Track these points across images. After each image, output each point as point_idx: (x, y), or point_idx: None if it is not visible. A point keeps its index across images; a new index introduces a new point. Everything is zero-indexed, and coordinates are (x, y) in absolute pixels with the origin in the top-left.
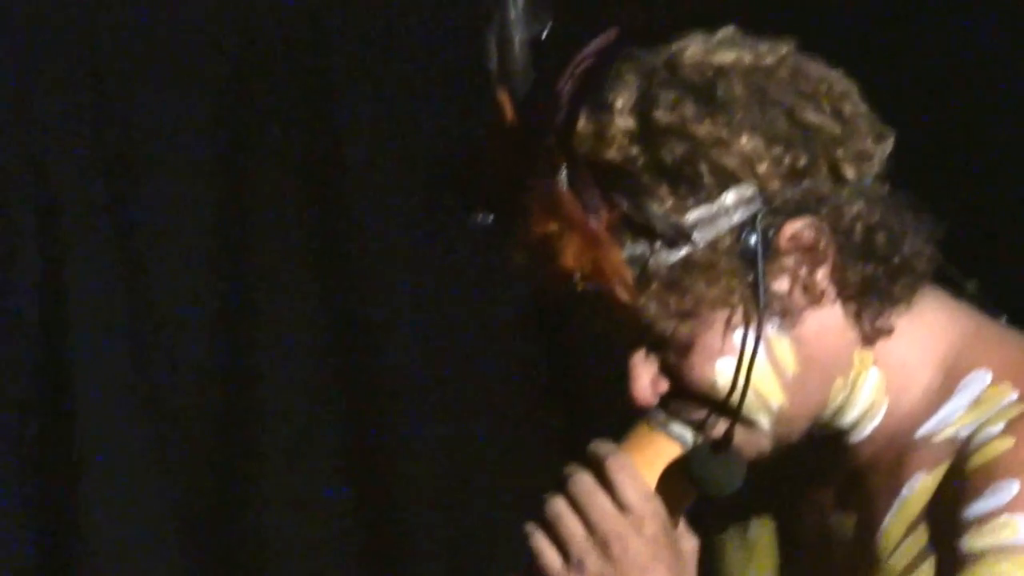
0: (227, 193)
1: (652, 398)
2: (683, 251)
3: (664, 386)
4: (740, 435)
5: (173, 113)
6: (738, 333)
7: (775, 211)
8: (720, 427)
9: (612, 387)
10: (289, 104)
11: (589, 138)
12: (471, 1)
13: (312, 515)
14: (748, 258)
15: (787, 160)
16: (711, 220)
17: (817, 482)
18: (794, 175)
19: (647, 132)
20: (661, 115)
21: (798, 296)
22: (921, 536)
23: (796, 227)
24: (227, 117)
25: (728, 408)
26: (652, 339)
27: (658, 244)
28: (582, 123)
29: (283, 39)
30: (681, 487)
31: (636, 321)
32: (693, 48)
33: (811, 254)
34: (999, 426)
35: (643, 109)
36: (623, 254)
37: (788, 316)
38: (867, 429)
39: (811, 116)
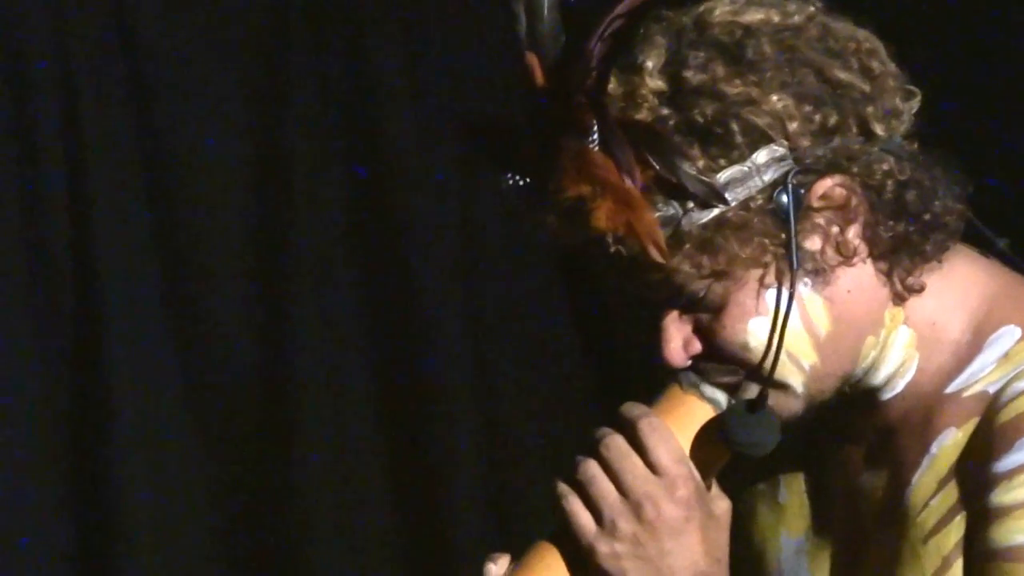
0: (264, 162)
1: (685, 360)
2: (715, 211)
3: (697, 347)
4: (773, 396)
5: (207, 78)
6: (771, 293)
7: (806, 169)
8: (753, 388)
9: (644, 349)
10: (326, 75)
11: (620, 99)
12: None
13: (351, 496)
14: (780, 217)
15: (817, 118)
16: (743, 179)
17: (847, 441)
18: (824, 133)
19: (678, 92)
20: (691, 75)
21: (830, 254)
22: (951, 492)
23: (827, 185)
24: (263, 88)
25: (761, 368)
26: (685, 300)
27: (690, 204)
28: (613, 84)
29: (319, 4)
30: (714, 449)
31: (669, 282)
32: (721, 8)
33: (842, 212)
34: None
35: (673, 70)
36: (656, 215)
37: (820, 275)
38: (898, 386)
39: (840, 74)
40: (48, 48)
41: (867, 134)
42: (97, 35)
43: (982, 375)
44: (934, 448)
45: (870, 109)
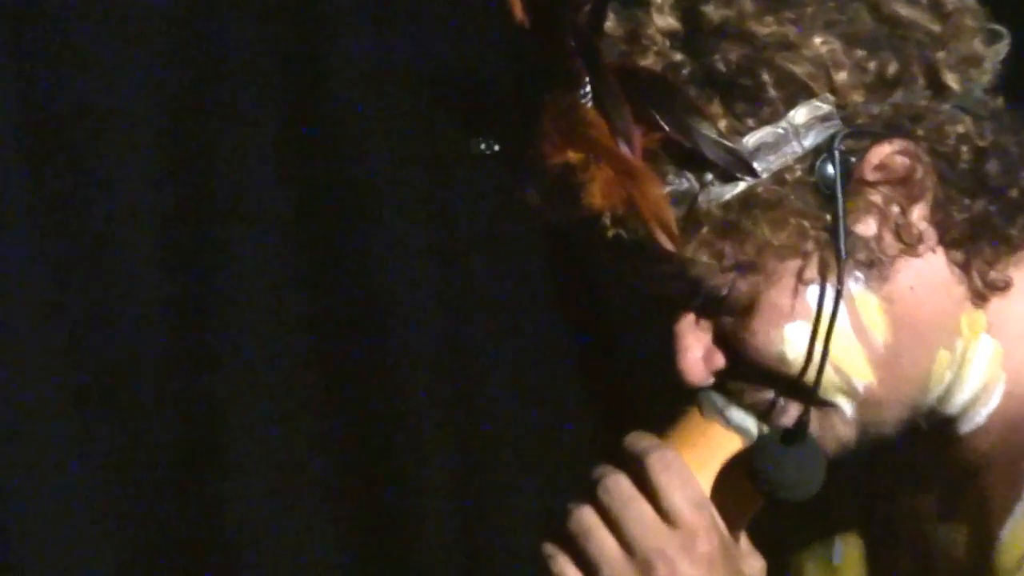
0: (187, 126)
1: (705, 376)
2: (741, 185)
3: (720, 361)
4: (817, 422)
5: (124, 54)
6: (812, 290)
7: (858, 132)
8: (791, 413)
9: (654, 362)
10: (264, 29)
11: (620, 41)
12: None
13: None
14: (824, 193)
15: (872, 66)
16: (776, 144)
17: (917, 485)
18: (882, 85)
19: (694, 32)
20: (712, 10)
21: (889, 241)
22: None
23: (885, 152)
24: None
25: (801, 388)
26: (703, 299)
27: (709, 176)
28: (611, 22)
29: None
30: (743, 491)
31: (683, 276)
32: None
33: (905, 186)
34: None
35: (689, 3)
36: (665, 189)
37: (877, 268)
38: (980, 416)
39: (902, 9)
40: None
41: (937, 87)
42: None
43: None
44: None
45: (941, 55)
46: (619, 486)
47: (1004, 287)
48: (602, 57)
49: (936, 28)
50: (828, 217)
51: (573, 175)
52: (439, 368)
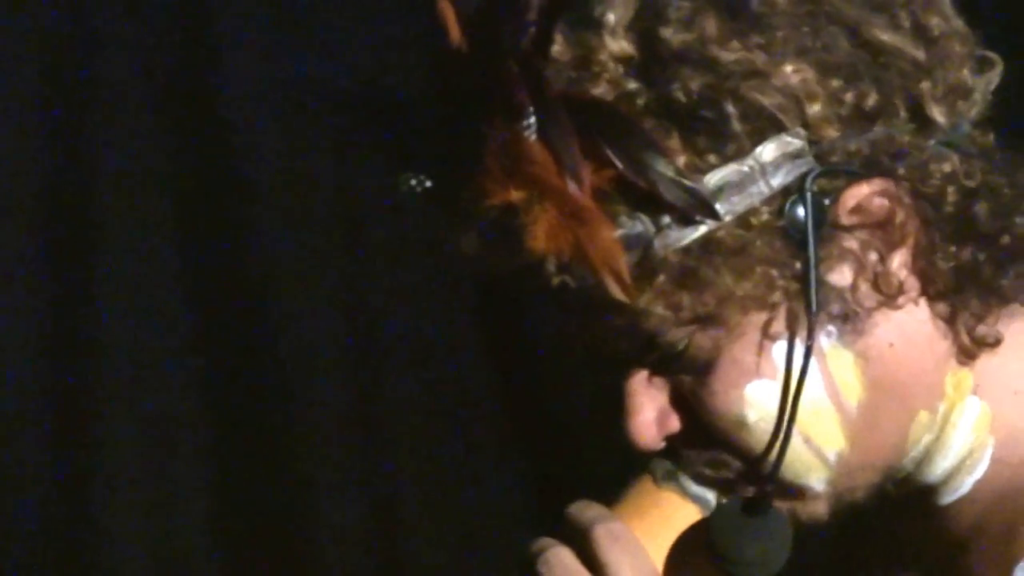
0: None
1: (658, 440)
2: (702, 229)
3: (675, 423)
4: (782, 494)
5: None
6: (780, 346)
7: (833, 171)
8: (753, 483)
9: (603, 424)
10: (152, 33)
11: (569, 67)
12: None
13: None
14: (795, 239)
15: (849, 98)
16: (741, 184)
17: (896, 561)
18: (860, 119)
19: (651, 58)
20: (671, 34)
21: (866, 293)
22: None
23: (863, 193)
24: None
25: (766, 456)
26: (658, 355)
27: (666, 219)
28: (559, 45)
29: None
30: (700, 568)
31: (636, 329)
32: None
33: (884, 232)
34: None
35: (646, 26)
36: (617, 233)
37: (852, 322)
38: (964, 485)
39: (883, 35)
40: None
41: (921, 121)
42: None
43: None
44: (1019, 573)
45: (926, 85)
46: (562, 561)
47: (994, 344)
48: (548, 85)
49: (921, 55)
50: (798, 265)
51: (514, 216)
52: (346, 424)
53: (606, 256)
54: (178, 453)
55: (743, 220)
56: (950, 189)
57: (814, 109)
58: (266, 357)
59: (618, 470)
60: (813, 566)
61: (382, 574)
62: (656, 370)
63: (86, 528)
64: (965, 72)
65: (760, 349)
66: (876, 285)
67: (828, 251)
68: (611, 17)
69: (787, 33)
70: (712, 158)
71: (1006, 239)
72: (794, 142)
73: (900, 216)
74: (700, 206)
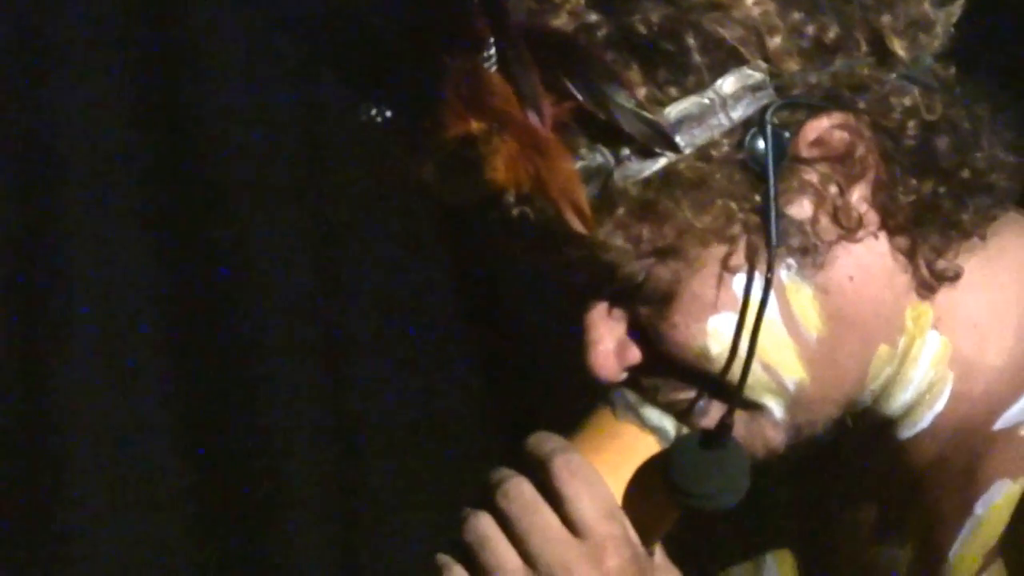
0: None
1: (618, 372)
2: (661, 161)
3: (635, 355)
4: (742, 425)
5: None
6: (739, 279)
7: (793, 103)
8: (713, 413)
9: (562, 356)
10: None
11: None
12: None
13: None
14: (755, 171)
15: (810, 31)
16: (701, 116)
17: (856, 497)
18: (820, 52)
19: None
20: None
21: (826, 226)
22: (1002, 572)
23: (823, 126)
24: None
25: (725, 386)
26: (617, 287)
27: (626, 151)
28: None
29: None
30: (659, 500)
31: (595, 261)
32: None
33: (844, 165)
34: None
35: None
36: (576, 165)
37: (811, 255)
38: (924, 419)
39: None
40: None
41: (882, 54)
42: None
43: None
44: (979, 509)
45: (887, 18)
46: (521, 492)
47: (954, 278)
48: (509, 16)
49: None
50: (758, 198)
51: (474, 148)
52: (312, 361)
53: (566, 188)
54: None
55: (703, 152)
56: (911, 123)
57: (775, 42)
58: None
59: (577, 402)
60: (774, 502)
61: (345, 504)
62: (615, 303)
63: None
64: (926, 5)
65: (720, 282)
66: (836, 218)
67: (788, 184)
68: None
69: None
70: (672, 90)
71: (966, 173)
72: (754, 75)
73: (860, 149)
74: (660, 138)
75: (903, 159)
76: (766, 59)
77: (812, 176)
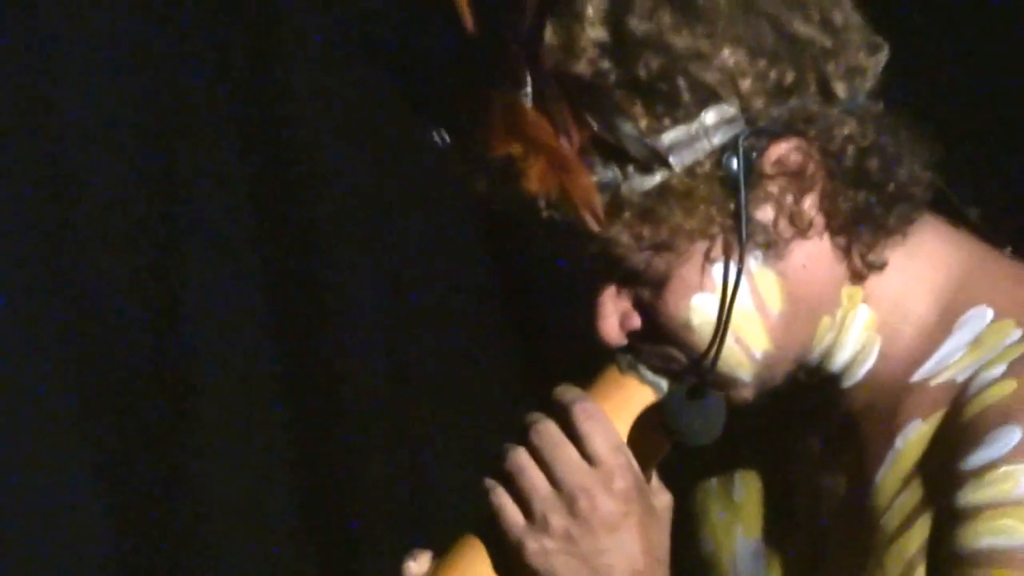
0: (155, 134)
1: (621, 337)
2: (658, 176)
3: (636, 324)
4: (719, 382)
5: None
6: (718, 267)
7: (759, 132)
8: (697, 373)
9: (579, 325)
10: (225, 30)
11: (557, 50)
12: None
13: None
14: (729, 184)
15: (772, 75)
16: (689, 142)
17: (807, 434)
18: (780, 92)
19: (620, 43)
20: (636, 24)
21: (783, 226)
22: (916, 491)
23: (782, 150)
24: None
25: (706, 350)
26: (623, 273)
27: (631, 168)
28: (549, 33)
29: None
30: (654, 437)
31: (606, 253)
32: None
33: (798, 180)
34: (1000, 368)
35: (616, 18)
36: (593, 179)
37: (772, 248)
38: (858, 373)
39: (799, 27)
40: None
41: (827, 94)
42: None
43: (951, 362)
44: (898, 443)
45: (831, 66)
46: (548, 431)
47: (880, 267)
48: (542, 63)
49: (827, 43)
50: (732, 205)
51: (514, 165)
52: (380, 338)
53: (585, 197)
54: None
55: (690, 170)
56: (849, 147)
57: (745, 84)
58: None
59: (591, 363)
60: (743, 437)
61: (400, 434)
62: (621, 284)
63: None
64: (861, 55)
65: (702, 269)
66: (792, 221)
67: (755, 194)
68: (589, 11)
69: (725, 25)
70: (667, 122)
71: (891, 186)
72: (730, 110)
73: (810, 168)
74: (657, 159)
75: (843, 175)
76: (738, 97)
77: (773, 188)
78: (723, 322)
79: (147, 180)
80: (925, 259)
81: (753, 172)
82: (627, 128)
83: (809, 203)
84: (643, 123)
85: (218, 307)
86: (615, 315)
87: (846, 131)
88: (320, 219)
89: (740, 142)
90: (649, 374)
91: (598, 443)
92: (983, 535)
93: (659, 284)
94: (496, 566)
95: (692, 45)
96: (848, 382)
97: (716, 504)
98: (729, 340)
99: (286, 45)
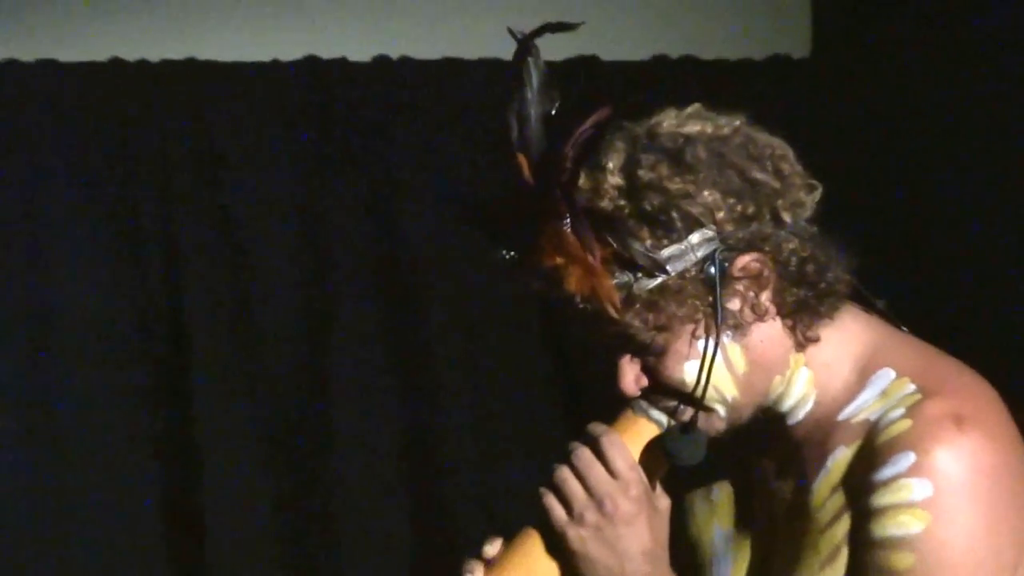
0: (310, 219)
1: (635, 390)
2: (659, 279)
3: (644, 381)
4: (702, 419)
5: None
6: (701, 342)
7: (729, 248)
8: (687, 413)
9: (605, 382)
10: (359, 154)
11: (587, 192)
12: (499, 83)
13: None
14: (708, 284)
15: (739, 209)
16: (680, 256)
17: (764, 456)
18: (744, 220)
19: (632, 187)
20: (643, 174)
21: (747, 313)
22: (841, 496)
23: (745, 260)
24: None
25: (693, 399)
26: (635, 346)
27: (639, 274)
28: (582, 180)
29: (356, 111)
30: (658, 459)
31: (623, 333)
32: (668, 120)
33: (757, 281)
34: (900, 411)
35: (629, 170)
36: (613, 281)
37: (739, 329)
38: (800, 414)
39: (757, 174)
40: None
41: (777, 220)
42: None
43: (865, 407)
44: (829, 462)
45: (780, 201)
46: (584, 454)
47: (816, 340)
48: (576, 202)
49: (777, 185)
50: (710, 299)
51: (558, 272)
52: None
53: (607, 294)
54: None
55: (681, 275)
56: (793, 258)
57: (720, 215)
58: None
59: (614, 408)
60: (720, 458)
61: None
62: (634, 354)
63: None
64: (801, 193)
65: (690, 343)
66: (752, 309)
67: (727, 291)
68: (610, 164)
69: (705, 174)
70: (664, 242)
71: (823, 285)
72: (709, 233)
73: (765, 272)
74: (658, 267)
75: (789, 277)
76: (715, 224)
77: (739, 287)
78: (705, 379)
79: (307, 300)
80: (847, 335)
81: (725, 276)
82: (637, 246)
83: (765, 297)
84: (648, 243)
85: (357, 393)
86: (631, 375)
87: (791, 247)
88: (432, 322)
89: (716, 255)
90: (655, 414)
91: (619, 463)
92: (888, 527)
93: (660, 354)
94: (548, 548)
95: (682, 188)
96: (793, 420)
97: (699, 504)
98: (709, 391)
99: (406, 202)
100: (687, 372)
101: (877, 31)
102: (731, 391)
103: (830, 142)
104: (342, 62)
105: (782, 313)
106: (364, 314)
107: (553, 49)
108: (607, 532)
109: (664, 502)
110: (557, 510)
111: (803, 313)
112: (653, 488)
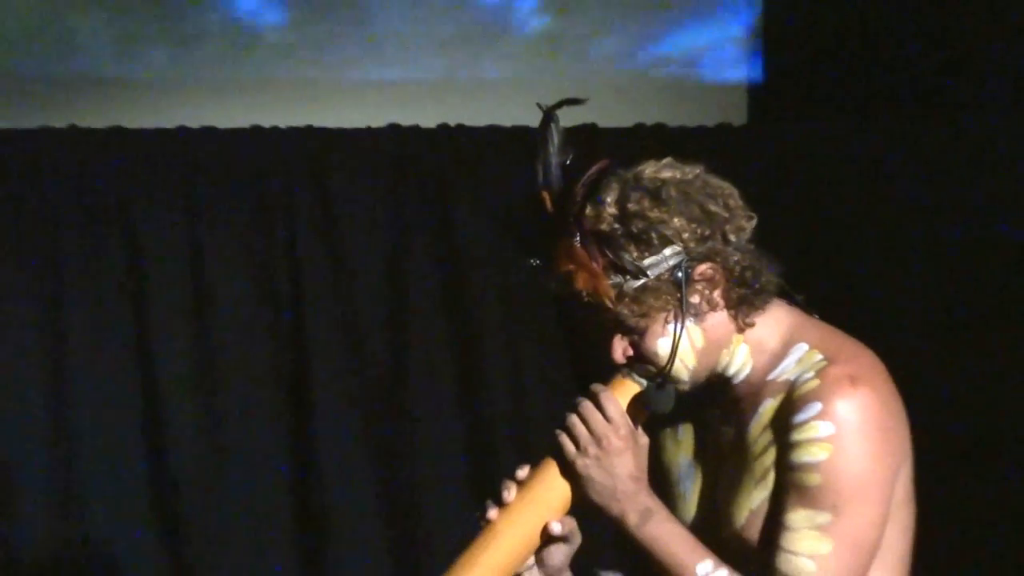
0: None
1: (624, 360)
2: (642, 281)
3: (630, 353)
4: (672, 380)
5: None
6: (671, 326)
7: (692, 259)
8: (661, 376)
9: (603, 354)
10: (427, 196)
11: (592, 219)
12: (530, 140)
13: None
14: (677, 285)
15: (699, 232)
16: (657, 264)
17: (714, 405)
18: (703, 239)
19: (623, 215)
20: (631, 206)
21: (704, 305)
22: (768, 434)
23: (703, 268)
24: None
25: (666, 366)
26: (624, 328)
27: (628, 277)
28: (588, 210)
29: (417, 165)
30: (640, 409)
31: (615, 319)
32: (648, 169)
33: (711, 283)
34: (811, 373)
35: (621, 203)
36: (609, 283)
37: (698, 316)
38: (740, 377)
39: (713, 207)
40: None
41: (726, 240)
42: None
43: (787, 370)
44: (760, 410)
45: (728, 226)
46: (587, 405)
47: (753, 325)
48: (584, 225)
49: (726, 215)
50: (679, 295)
51: (570, 275)
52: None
53: (605, 292)
54: None
55: (658, 278)
56: (737, 267)
57: (685, 236)
58: None
59: (609, 373)
60: (684, 408)
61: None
62: (623, 334)
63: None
64: (743, 221)
65: (664, 327)
66: (708, 303)
67: (690, 290)
68: (608, 199)
69: (676, 206)
70: (646, 254)
71: (758, 286)
72: (677, 248)
73: (717, 277)
74: (642, 273)
75: (734, 280)
76: (682, 242)
77: (699, 287)
78: (673, 352)
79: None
80: (774, 320)
81: (689, 279)
82: (626, 257)
83: (716, 294)
84: (634, 255)
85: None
86: (620, 349)
87: (735, 258)
88: (487, 319)
89: (683, 264)
90: (637, 377)
91: (612, 411)
92: (803, 455)
93: (642, 334)
94: (562, 472)
95: (659, 216)
96: (736, 381)
97: (669, 441)
98: (677, 362)
99: (462, 229)
100: (661, 347)
101: (795, 108)
102: (692, 361)
103: (764, 185)
104: (415, 129)
105: (728, 306)
106: (434, 329)
107: (565, 119)
108: (604, 461)
109: (644, 439)
110: (568, 445)
111: (743, 306)
112: (636, 429)
